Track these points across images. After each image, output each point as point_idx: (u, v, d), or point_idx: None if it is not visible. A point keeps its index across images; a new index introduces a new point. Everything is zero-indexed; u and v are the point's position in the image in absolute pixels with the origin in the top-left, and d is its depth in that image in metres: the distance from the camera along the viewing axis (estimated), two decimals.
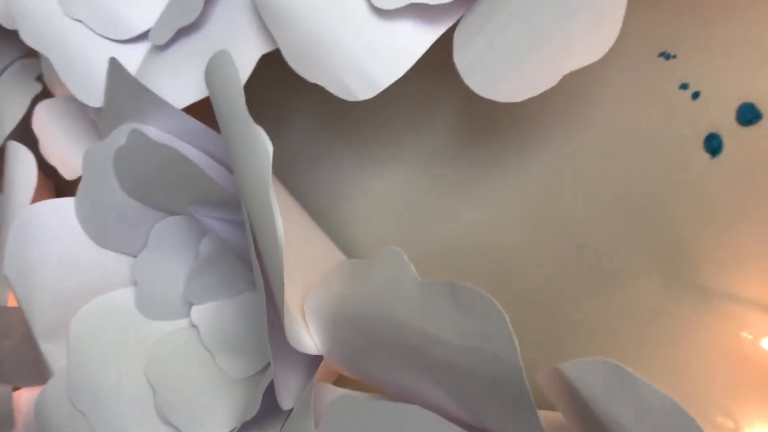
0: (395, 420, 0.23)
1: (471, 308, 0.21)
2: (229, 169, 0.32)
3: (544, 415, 0.20)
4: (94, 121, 0.45)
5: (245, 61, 0.30)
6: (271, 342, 0.26)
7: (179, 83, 0.34)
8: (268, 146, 0.24)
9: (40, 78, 0.45)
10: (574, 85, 0.27)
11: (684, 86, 0.26)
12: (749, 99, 0.24)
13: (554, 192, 0.30)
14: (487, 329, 0.20)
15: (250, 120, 0.25)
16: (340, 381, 0.32)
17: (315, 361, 0.29)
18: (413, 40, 0.27)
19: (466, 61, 0.25)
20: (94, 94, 0.36)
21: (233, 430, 0.33)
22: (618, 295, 0.27)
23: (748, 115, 0.24)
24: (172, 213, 0.36)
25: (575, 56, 0.22)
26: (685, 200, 0.25)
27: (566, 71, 0.22)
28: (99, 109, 0.39)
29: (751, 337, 0.23)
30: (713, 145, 0.24)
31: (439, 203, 0.34)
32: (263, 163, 0.24)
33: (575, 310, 0.29)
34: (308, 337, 0.26)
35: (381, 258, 0.24)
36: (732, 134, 0.24)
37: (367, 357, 0.26)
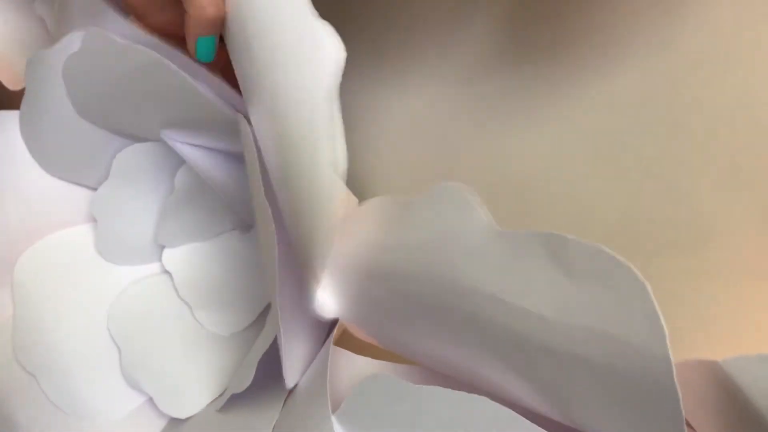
0: (453, 412, 0.18)
1: (584, 272, 0.15)
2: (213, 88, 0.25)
3: None
4: (43, 20, 0.38)
5: None
6: (280, 305, 0.20)
7: None
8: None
9: None
10: None
11: None
12: None
13: (632, 117, 0.24)
14: (612, 304, 0.14)
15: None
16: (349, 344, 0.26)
17: (325, 327, 0.23)
18: None
19: None
20: None
21: (218, 398, 0.28)
22: (708, 252, 0.22)
23: None
24: (140, 139, 0.30)
25: None
26: None
27: None
28: (48, 3, 0.32)
29: None
30: None
31: (476, 129, 0.28)
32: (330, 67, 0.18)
33: (654, 272, 0.23)
34: (333, 299, 0.20)
35: (436, 197, 0.18)
36: None
37: (411, 325, 0.20)
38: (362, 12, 0.32)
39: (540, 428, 0.17)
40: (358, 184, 0.32)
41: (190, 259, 0.32)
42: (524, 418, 0.17)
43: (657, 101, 0.23)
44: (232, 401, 0.25)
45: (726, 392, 0.14)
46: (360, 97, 0.31)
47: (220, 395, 0.28)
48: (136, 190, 0.31)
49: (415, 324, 0.20)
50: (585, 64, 0.25)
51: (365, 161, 0.31)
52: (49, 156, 0.30)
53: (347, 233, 0.21)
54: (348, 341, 0.24)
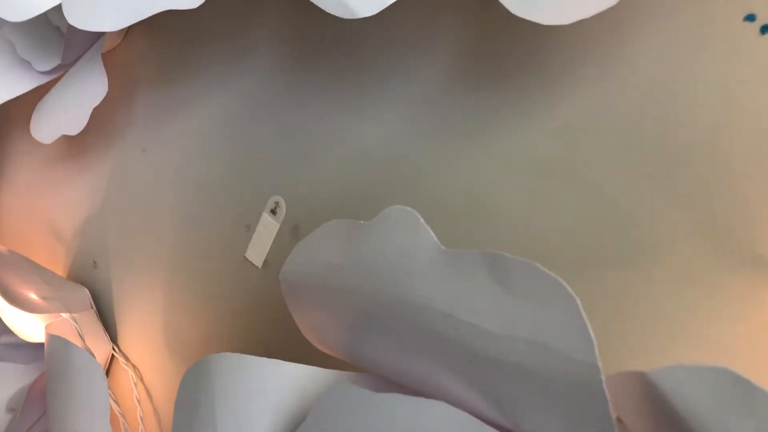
0: (414, 418, 0.18)
1: (521, 288, 0.16)
2: None
3: None
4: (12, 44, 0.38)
5: None
6: None
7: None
8: None
9: None
10: (611, 11, 0.22)
11: (750, 18, 0.21)
12: None
13: (576, 144, 0.25)
14: (547, 317, 0.15)
15: None
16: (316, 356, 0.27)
17: None
18: None
19: None
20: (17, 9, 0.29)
21: None
22: (654, 266, 0.23)
23: None
24: None
25: None
26: (742, 155, 0.21)
27: None
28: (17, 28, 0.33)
29: None
30: None
31: (433, 154, 0.29)
32: None
33: (602, 283, 0.24)
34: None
35: (388, 219, 0.19)
36: None
37: (366, 339, 0.21)
38: (329, 41, 0.33)
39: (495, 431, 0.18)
40: (319, 203, 0.33)
41: None
42: (481, 422, 0.18)
43: (600, 126, 0.25)
44: None
45: (655, 400, 0.15)
46: (325, 122, 0.32)
47: None
48: None
49: (372, 337, 0.21)
50: (533, 92, 0.26)
51: (328, 181, 0.32)
52: None
53: (305, 249, 0.22)
54: (311, 354, 0.25)
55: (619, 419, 0.18)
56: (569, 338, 0.15)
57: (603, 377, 0.14)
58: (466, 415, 0.18)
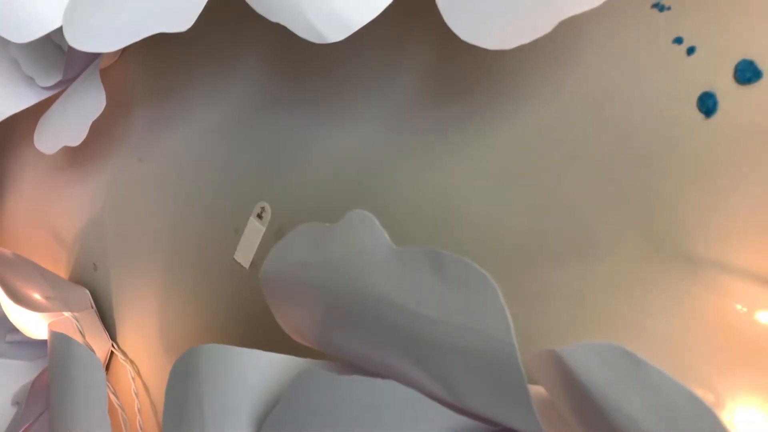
0: (369, 396, 0.21)
1: (455, 280, 0.18)
2: None
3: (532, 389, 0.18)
4: (17, 61, 0.40)
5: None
6: None
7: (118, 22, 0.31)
8: None
9: None
10: (559, 37, 0.25)
11: (678, 40, 0.24)
12: (749, 56, 0.22)
13: (532, 151, 0.28)
14: (475, 304, 0.18)
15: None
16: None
17: None
18: None
19: (449, 1, 0.22)
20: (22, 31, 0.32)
21: None
22: (598, 264, 0.26)
23: (746, 73, 0.22)
24: None
25: (574, 1, 0.20)
26: (674, 163, 0.24)
27: (563, 17, 0.20)
28: (22, 47, 0.35)
29: (745, 310, 0.21)
30: (708, 104, 0.23)
31: (402, 163, 0.32)
32: None
33: (551, 280, 0.27)
34: None
35: (349, 222, 0.22)
36: (729, 93, 0.22)
37: (332, 329, 0.23)
38: (311, 59, 0.36)
39: (440, 405, 0.20)
40: (301, 207, 0.36)
41: None
42: (427, 398, 0.20)
43: (552, 137, 0.27)
44: None
45: (565, 374, 0.18)
46: (307, 132, 0.35)
47: None
48: None
49: (338, 327, 0.23)
50: (493, 107, 0.29)
51: (310, 187, 0.35)
52: None
53: (280, 250, 0.25)
54: (291, 346, 0.28)
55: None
56: (492, 321, 0.17)
57: (518, 354, 0.17)
58: (415, 392, 0.20)
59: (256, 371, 0.26)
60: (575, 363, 0.17)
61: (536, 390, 0.21)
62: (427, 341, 0.19)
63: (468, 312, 0.18)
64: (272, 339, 0.36)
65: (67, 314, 0.43)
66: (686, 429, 0.15)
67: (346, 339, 0.23)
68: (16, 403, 0.44)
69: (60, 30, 0.33)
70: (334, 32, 0.24)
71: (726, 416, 0.22)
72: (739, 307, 0.22)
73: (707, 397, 0.23)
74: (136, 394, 0.44)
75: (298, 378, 0.23)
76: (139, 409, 0.44)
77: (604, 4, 0.20)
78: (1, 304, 0.42)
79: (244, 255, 0.38)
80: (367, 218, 0.21)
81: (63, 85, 0.46)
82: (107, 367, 0.47)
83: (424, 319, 0.19)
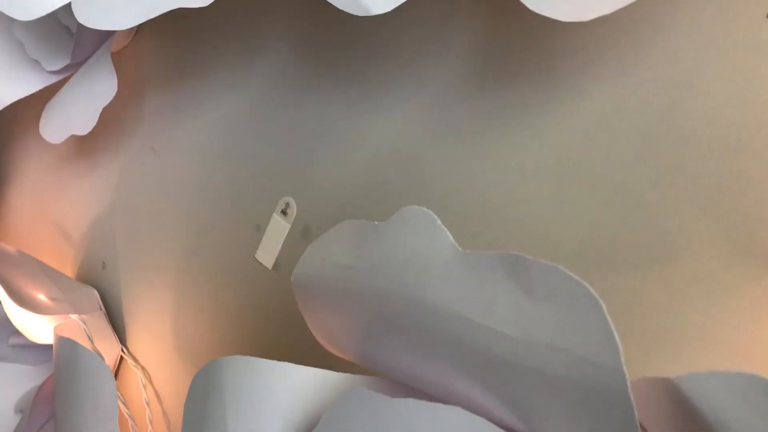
0: (430, 424, 0.18)
1: (542, 291, 0.15)
2: None
3: None
4: (22, 43, 0.38)
5: None
6: None
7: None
8: None
9: None
10: (622, 18, 0.22)
11: None
12: None
13: (593, 143, 0.25)
14: (569, 322, 0.15)
15: None
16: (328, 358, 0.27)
17: None
18: None
19: None
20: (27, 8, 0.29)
21: None
22: (675, 268, 0.23)
23: None
24: None
25: None
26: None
27: None
28: (27, 27, 0.32)
29: None
30: None
31: (445, 154, 0.28)
32: None
33: (617, 284, 0.24)
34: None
35: (402, 219, 0.19)
36: None
37: (377, 341, 0.20)
38: (340, 43, 0.33)
39: None
40: (329, 203, 0.33)
41: None
42: (497, 427, 0.17)
43: (621, 126, 0.24)
44: None
45: (680, 406, 0.15)
46: (335, 122, 0.32)
47: None
48: None
49: (384, 340, 0.20)
50: (549, 91, 0.26)
51: (339, 182, 0.32)
52: None
53: (315, 252, 0.22)
54: (323, 357, 0.25)
55: (642, 426, 0.17)
56: (593, 343, 0.14)
57: (629, 383, 0.14)
58: (482, 420, 0.17)
59: (287, 387, 0.23)
60: (697, 393, 0.14)
61: None
62: (500, 362, 0.16)
63: (560, 330, 0.15)
64: (299, 348, 0.33)
65: (73, 317, 0.41)
66: None
67: (393, 354, 0.20)
68: (19, 410, 0.42)
69: (68, 7, 0.30)
70: (379, 3, 0.21)
71: None
72: None
73: None
74: (147, 403, 0.42)
75: (343, 398, 0.20)
76: (150, 420, 0.41)
77: None
78: (3, 306, 0.39)
79: (267, 255, 0.35)
80: (426, 215, 0.18)
81: (71, 69, 0.44)
82: (116, 374, 0.44)
83: (498, 335, 0.16)
